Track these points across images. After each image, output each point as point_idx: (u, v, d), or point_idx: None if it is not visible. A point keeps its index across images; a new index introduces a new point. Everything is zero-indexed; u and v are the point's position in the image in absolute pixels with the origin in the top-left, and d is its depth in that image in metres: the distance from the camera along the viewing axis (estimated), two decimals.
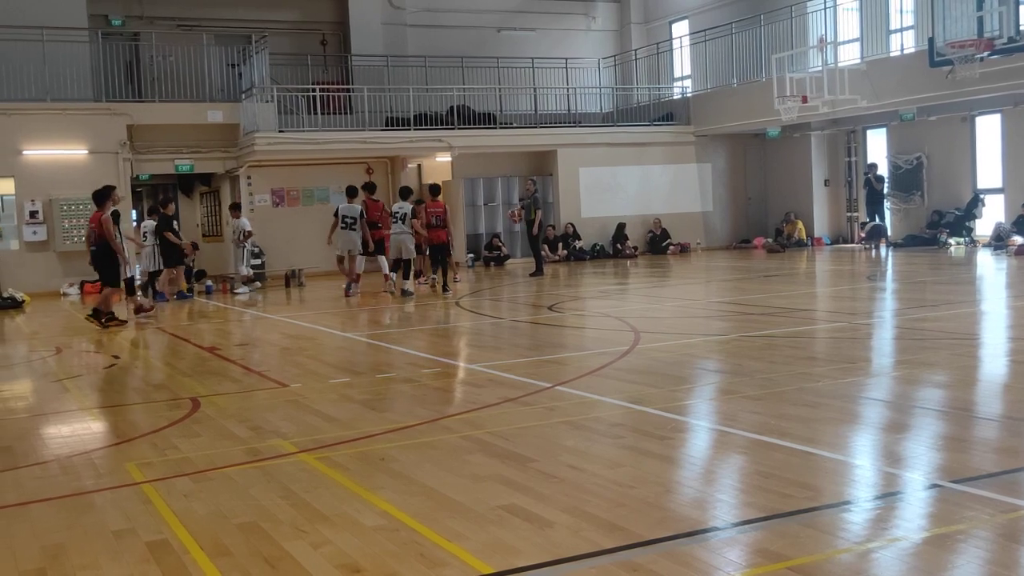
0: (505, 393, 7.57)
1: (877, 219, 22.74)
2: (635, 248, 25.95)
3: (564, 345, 10.79)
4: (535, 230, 20.69)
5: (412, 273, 17.81)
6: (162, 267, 18.51)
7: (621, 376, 8.14)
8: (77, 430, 7.30)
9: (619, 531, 4.26)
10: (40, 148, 21.15)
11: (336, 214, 17.98)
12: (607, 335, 11.02)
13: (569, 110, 26.98)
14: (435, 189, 18.18)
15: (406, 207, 17.75)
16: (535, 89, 26.62)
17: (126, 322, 14.30)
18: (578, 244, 25.41)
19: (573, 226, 25.56)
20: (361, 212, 17.74)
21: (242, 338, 12.98)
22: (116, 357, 10.97)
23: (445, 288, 17.22)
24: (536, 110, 26.29)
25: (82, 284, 21.09)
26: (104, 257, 14.11)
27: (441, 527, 4.41)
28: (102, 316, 13.90)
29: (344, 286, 17.62)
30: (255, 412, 7.34)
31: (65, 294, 20.92)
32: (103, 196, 14.09)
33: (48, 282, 21.06)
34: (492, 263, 24.82)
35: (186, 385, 8.77)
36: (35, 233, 21.11)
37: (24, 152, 21.03)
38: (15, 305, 18.74)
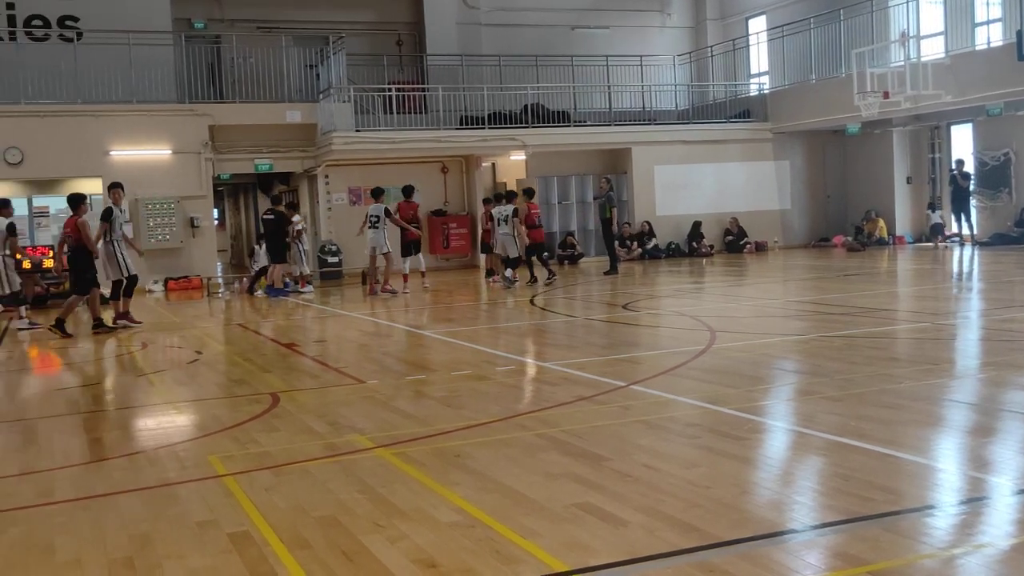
0: (579, 391, 7.57)
1: (963, 217, 22.16)
2: (711, 246, 25.69)
3: (639, 344, 10.74)
4: (613, 228, 20.67)
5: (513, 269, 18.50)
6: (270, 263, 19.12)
7: (696, 376, 8.08)
8: (162, 423, 7.51)
9: (695, 531, 4.23)
10: (126, 149, 21.75)
11: (367, 214, 18.48)
12: (682, 334, 10.94)
13: (644, 108, 26.81)
14: (530, 192, 19.20)
15: (508, 209, 18.41)
16: (609, 87, 26.52)
17: (115, 328, 13.90)
18: (653, 242, 25.25)
19: (649, 224, 25.41)
20: (387, 211, 18.17)
21: (320, 335, 13.17)
22: (199, 353, 11.23)
23: (551, 276, 18.46)
24: (610, 108, 26.19)
25: (166, 281, 21.65)
26: (80, 262, 13.78)
27: (516, 524, 4.43)
28: (97, 323, 13.70)
29: (371, 284, 18.29)
30: (333, 408, 7.45)
31: (150, 291, 21.48)
32: (78, 200, 13.82)
33: None
34: (566, 261, 24.79)
35: (266, 381, 8.94)
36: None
37: (111, 153, 21.66)
38: (103, 302, 19.26)
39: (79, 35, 22.29)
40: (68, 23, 22.77)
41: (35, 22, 22.70)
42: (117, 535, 4.58)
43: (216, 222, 24.57)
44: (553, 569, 3.90)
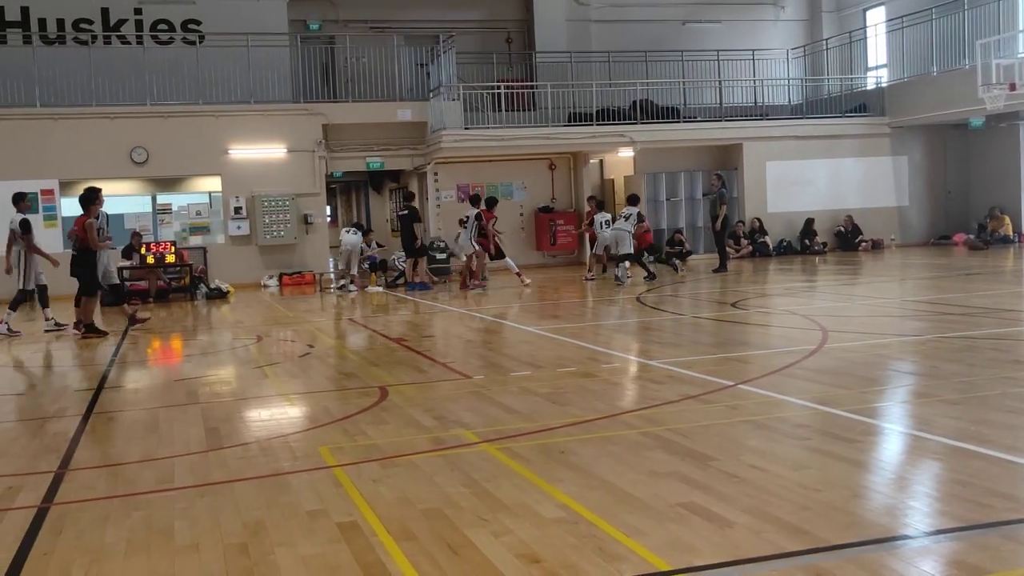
0: (686, 390, 7.49)
1: None
2: (824, 244, 25.08)
3: (747, 343, 10.56)
4: (718, 225, 20.39)
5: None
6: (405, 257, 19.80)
7: (807, 376, 7.90)
8: (275, 414, 7.73)
9: (803, 534, 4.15)
10: (244, 147, 22.43)
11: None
12: (793, 333, 10.71)
13: (756, 103, 26.34)
14: (635, 199, 19.59)
15: (634, 210, 19.01)
16: (720, 82, 26.12)
17: (107, 334, 13.60)
18: (764, 239, 24.78)
19: (760, 221, 24.96)
20: (478, 215, 18.87)
21: (428, 330, 13.34)
22: (311, 346, 11.51)
23: (651, 276, 18.76)
24: (721, 103, 25.80)
25: (280, 276, 22.26)
26: (83, 264, 13.51)
27: (619, 522, 4.41)
28: (81, 326, 13.52)
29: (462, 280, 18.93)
30: (439, 402, 7.54)
31: (265, 285, 22.13)
32: (89, 200, 13.46)
33: (250, 274, 22.33)
34: (674, 259, 24.51)
35: (375, 374, 9.10)
36: (239, 228, 22.43)
37: (230, 151, 22.36)
38: (221, 295, 19.98)
39: (201, 38, 23.09)
40: (191, 27, 23.61)
41: (161, 26, 23.61)
42: (232, 521, 4.73)
43: (329, 219, 25.11)
44: (656, 568, 3.87)
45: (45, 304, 14.44)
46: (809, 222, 25.09)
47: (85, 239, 13.37)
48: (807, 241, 24.97)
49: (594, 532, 4.32)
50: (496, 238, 19.17)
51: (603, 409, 6.95)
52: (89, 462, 6.16)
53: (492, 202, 19.83)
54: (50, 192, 21.43)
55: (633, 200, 19.52)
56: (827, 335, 10.08)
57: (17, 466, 6.18)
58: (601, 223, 19.44)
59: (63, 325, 14.14)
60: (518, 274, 18.83)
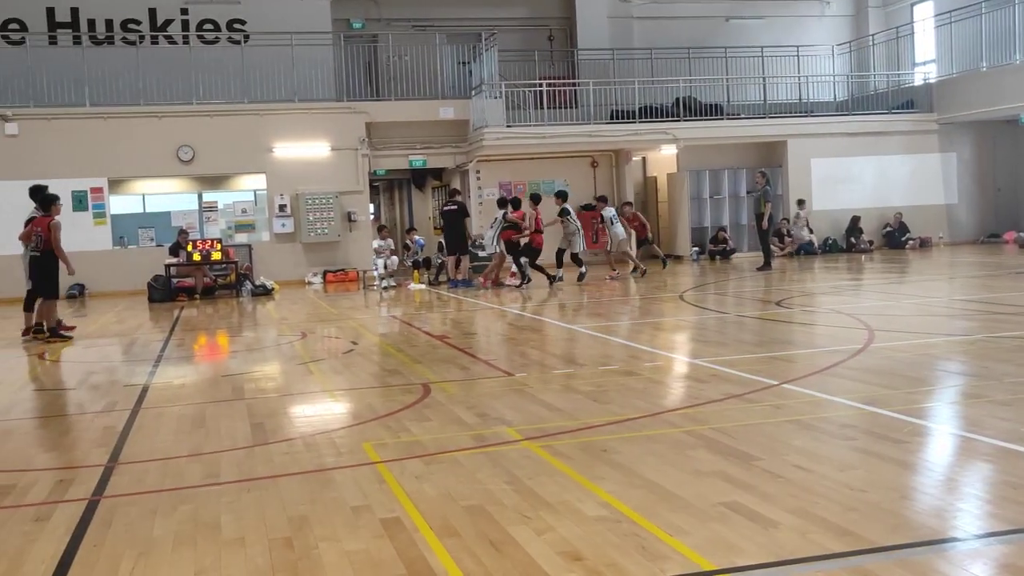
0: (729, 389, 7.44)
1: None
2: (870, 242, 24.80)
3: (792, 342, 10.47)
4: (764, 223, 20.24)
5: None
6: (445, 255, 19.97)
7: (853, 375, 7.81)
8: (319, 410, 7.80)
9: (849, 536, 4.10)
10: (288, 146, 22.63)
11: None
12: (838, 332, 10.59)
13: (800, 99, 26.07)
14: (604, 199, 20.89)
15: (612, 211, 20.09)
16: (764, 78, 25.89)
17: (71, 337, 13.23)
18: (808, 238, 24.55)
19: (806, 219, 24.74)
20: (505, 215, 18.79)
21: (470, 328, 13.38)
22: (354, 343, 11.59)
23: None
24: (765, 100, 25.58)
25: (324, 273, 22.44)
26: (46, 266, 12.92)
27: (662, 521, 4.40)
28: (47, 330, 13.05)
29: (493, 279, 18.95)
30: (482, 399, 7.56)
31: (309, 283, 22.32)
32: (50, 201, 13.06)
33: (294, 271, 22.55)
34: (718, 257, 24.40)
35: (418, 371, 9.15)
36: (283, 225, 22.64)
37: (274, 150, 22.58)
38: (266, 292, 20.20)
39: (246, 37, 23.34)
40: (236, 26, 23.87)
41: (206, 26, 23.90)
42: (277, 516, 4.78)
43: (372, 217, 25.27)
44: (699, 567, 3.85)
45: (30, 309, 13.47)
46: (855, 220, 24.82)
47: (50, 241, 12.81)
48: (853, 239, 24.70)
49: (636, 531, 4.31)
50: (519, 237, 18.76)
51: (645, 407, 6.92)
52: (138, 456, 6.25)
53: (536, 199, 19.61)
54: (99, 190, 21.79)
55: (603, 200, 20.46)
56: (873, 334, 9.97)
57: (68, 459, 6.29)
58: (610, 219, 19.72)
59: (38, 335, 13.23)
60: (513, 275, 18.98)
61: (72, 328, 13.73)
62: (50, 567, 4.22)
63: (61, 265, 13.14)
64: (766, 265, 20.13)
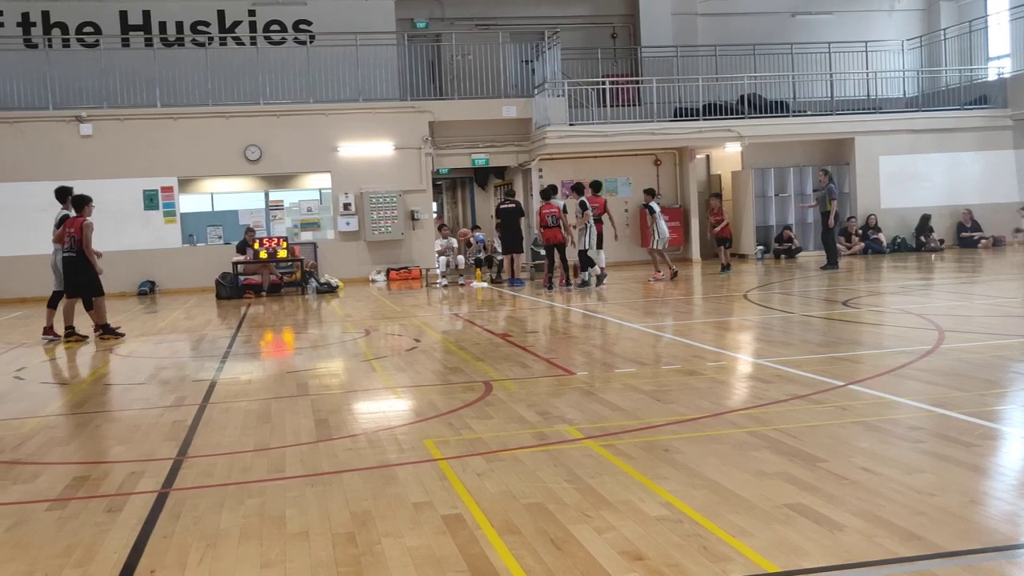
0: (794, 390, 7.34)
1: None
2: (941, 241, 24.28)
3: (859, 342, 10.29)
4: (831, 222, 19.93)
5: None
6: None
7: (922, 377, 7.66)
8: (382, 407, 7.87)
9: (916, 540, 4.03)
10: (352, 145, 22.87)
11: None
12: (907, 333, 10.39)
13: (868, 96, 25.63)
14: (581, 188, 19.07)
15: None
16: (831, 75, 25.49)
17: (86, 337, 13.33)
18: (878, 236, 24.11)
19: (875, 217, 24.31)
20: (565, 208, 18.39)
21: (531, 326, 13.39)
22: (417, 341, 11.68)
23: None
24: (832, 96, 25.17)
25: (387, 271, 22.64)
26: (82, 266, 13.02)
27: (725, 522, 4.36)
28: (99, 327, 13.23)
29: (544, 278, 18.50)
30: (543, 398, 7.56)
31: (373, 280, 22.53)
32: (83, 202, 13.23)
33: (358, 269, 22.79)
34: (783, 256, 24.09)
35: (479, 369, 9.18)
36: (348, 224, 22.90)
37: (339, 149, 22.84)
38: (331, 290, 20.45)
39: (312, 38, 23.64)
40: (302, 27, 24.19)
41: (273, 27, 24.26)
42: (341, 511, 4.84)
43: (435, 215, 25.43)
44: (763, 570, 3.81)
45: (53, 306, 13.69)
46: (925, 218, 24.33)
47: (82, 241, 12.94)
48: (923, 238, 24.21)
49: (699, 531, 4.28)
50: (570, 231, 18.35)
51: (708, 408, 6.87)
52: (206, 450, 6.37)
53: (597, 186, 19.12)
54: (169, 189, 22.25)
55: (650, 193, 19.78)
56: (944, 335, 9.76)
57: (139, 453, 6.44)
58: (658, 214, 19.20)
59: (59, 337, 13.38)
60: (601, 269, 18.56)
61: (60, 337, 13.44)
62: (122, 557, 4.33)
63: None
64: (831, 264, 19.82)
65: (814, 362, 8.58)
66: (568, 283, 17.92)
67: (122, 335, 13.41)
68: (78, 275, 13.12)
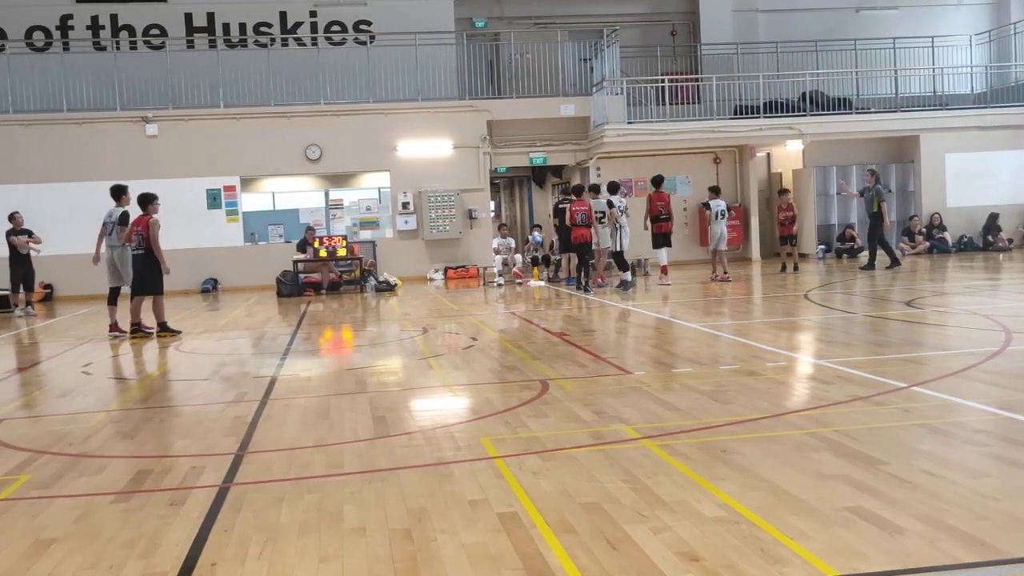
0: (855, 391, 7.24)
1: None
2: (1010, 240, 23.73)
3: (923, 343, 10.10)
4: (887, 223, 19.54)
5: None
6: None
7: (988, 379, 7.49)
8: (439, 405, 7.92)
9: (980, 545, 3.95)
10: (411, 144, 23.03)
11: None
12: (973, 334, 10.18)
13: (935, 92, 25.12)
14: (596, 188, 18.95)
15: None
16: (896, 71, 25.04)
17: (179, 332, 13.65)
18: (943, 236, 23.64)
19: (940, 216, 23.83)
20: (609, 203, 18.12)
21: (588, 325, 13.36)
22: (474, 339, 11.72)
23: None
24: (897, 93, 24.73)
25: (445, 270, 22.76)
26: (150, 264, 13.34)
27: (783, 524, 4.32)
28: (157, 324, 13.50)
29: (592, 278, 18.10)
30: (599, 397, 7.55)
31: (431, 279, 22.66)
32: (148, 200, 13.51)
33: (417, 267, 22.95)
34: (845, 255, 23.73)
35: (536, 368, 9.19)
36: (406, 222, 23.07)
37: (398, 148, 23.01)
38: (389, 288, 20.61)
39: (372, 38, 23.85)
40: (362, 27, 24.42)
41: (334, 27, 24.53)
42: (397, 508, 4.88)
43: (492, 214, 25.50)
44: (821, 573, 3.76)
45: (113, 302, 14.13)
46: (993, 217, 23.79)
47: (149, 238, 13.29)
48: (990, 237, 23.67)
49: (756, 533, 4.24)
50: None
51: (767, 408, 6.79)
52: (266, 445, 6.47)
53: (658, 181, 18.77)
54: (232, 188, 22.61)
55: (715, 191, 19.37)
56: (1011, 336, 9.54)
57: (201, 447, 6.56)
58: (718, 213, 18.75)
59: (124, 332, 13.73)
60: (664, 268, 18.37)
61: (125, 333, 13.81)
62: (184, 549, 4.41)
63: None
64: (871, 264, 19.49)
65: (876, 363, 8.44)
66: (581, 285, 17.41)
67: (178, 332, 13.66)
68: (144, 272, 13.42)
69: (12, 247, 18.00)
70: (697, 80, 24.62)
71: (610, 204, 18.03)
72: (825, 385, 7.65)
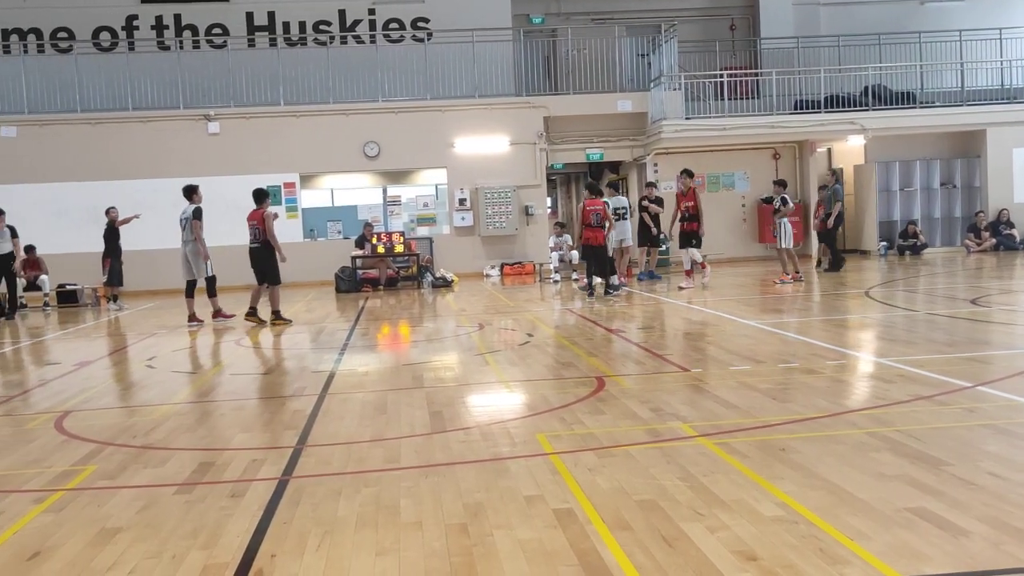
0: (917, 390, 7.10)
1: None
2: None
3: (989, 342, 9.88)
4: (830, 223, 19.02)
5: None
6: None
7: None
8: (495, 400, 7.93)
9: None
10: (468, 141, 23.10)
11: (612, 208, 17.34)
12: None
13: (1003, 85, 24.52)
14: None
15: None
16: (962, 64, 24.50)
17: (290, 321, 14.34)
18: (1011, 232, 23.09)
19: (1008, 212, 23.29)
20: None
21: (645, 322, 13.29)
22: (530, 335, 11.73)
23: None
24: (963, 86, 24.20)
25: (501, 266, 22.80)
26: (266, 256, 14.30)
27: (842, 524, 4.26)
28: (272, 312, 14.29)
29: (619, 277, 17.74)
30: (656, 394, 7.51)
31: (487, 275, 22.72)
32: (263, 195, 14.40)
33: (473, 263, 23.02)
34: (907, 252, 23.30)
35: (592, 364, 9.17)
36: (463, 219, 23.16)
37: (455, 145, 23.10)
38: (446, 284, 20.71)
39: (429, 35, 23.97)
40: (420, 24, 24.56)
41: (392, 25, 24.71)
42: (453, 502, 4.90)
43: (549, 210, 25.49)
44: (882, 574, 3.71)
45: (213, 294, 15.02)
46: None
47: (266, 231, 14.19)
48: None
49: (815, 533, 4.18)
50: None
51: (827, 407, 6.70)
52: (324, 439, 6.54)
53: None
54: (292, 185, 22.89)
55: (781, 185, 18.18)
56: None
57: (261, 441, 6.66)
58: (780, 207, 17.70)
59: (231, 315, 14.84)
60: (702, 265, 17.36)
61: (232, 316, 14.89)
62: (244, 540, 4.48)
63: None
64: (834, 267, 18.98)
65: (940, 362, 8.28)
66: (591, 290, 16.52)
67: (289, 321, 14.30)
68: (262, 263, 14.30)
69: (113, 236, 18.47)
70: (757, 75, 24.35)
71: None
72: (886, 384, 7.52)
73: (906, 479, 4.88)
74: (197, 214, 14.49)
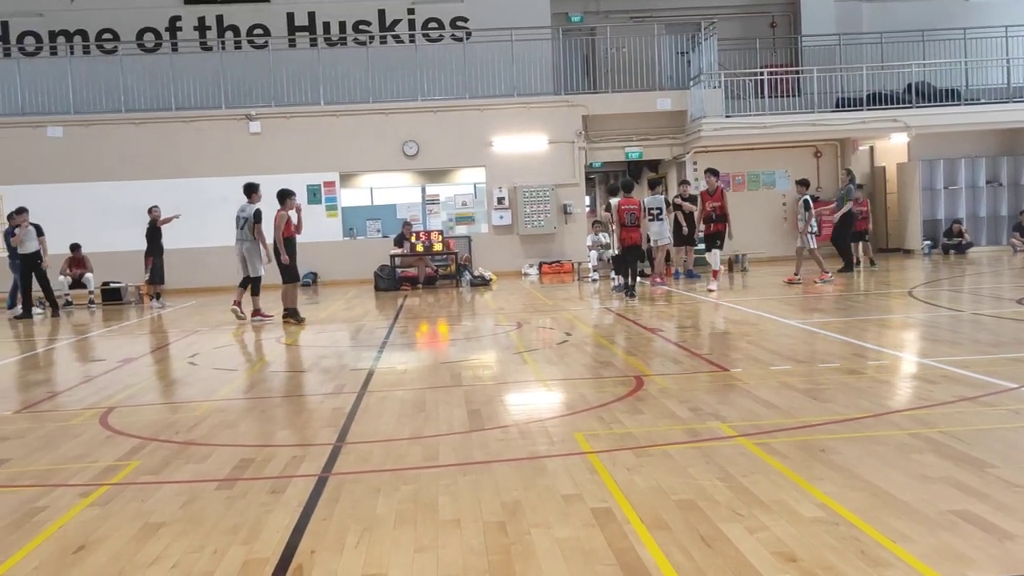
0: (961, 391, 7.01)
1: None
2: None
3: None
4: (834, 220, 18.78)
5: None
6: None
7: None
8: (533, 399, 7.94)
9: None
10: (507, 139, 23.12)
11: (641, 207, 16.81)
12: None
13: None
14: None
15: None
16: (1008, 60, 24.11)
17: (303, 320, 14.40)
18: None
19: None
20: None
21: (684, 321, 13.23)
22: (568, 334, 11.72)
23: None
24: (1009, 83, 23.82)
25: (540, 265, 22.80)
26: (288, 253, 14.41)
27: (884, 526, 4.21)
28: (285, 310, 14.44)
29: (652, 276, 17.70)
30: (695, 394, 7.47)
31: (525, 274, 22.73)
32: (284, 195, 14.45)
33: (511, 262, 23.04)
34: (952, 251, 22.98)
35: (631, 363, 9.14)
36: (501, 218, 23.19)
37: (493, 144, 23.12)
38: (484, 283, 20.74)
39: (468, 34, 24.02)
40: (459, 23, 24.62)
41: (431, 24, 24.80)
42: (491, 500, 4.92)
43: (587, 209, 25.44)
44: None
45: (256, 292, 15.17)
46: None
47: (283, 230, 14.35)
48: None
49: (856, 534, 4.14)
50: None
51: (868, 408, 6.63)
52: (363, 437, 6.58)
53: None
54: (331, 184, 23.05)
55: (803, 184, 17.89)
56: None
57: (301, 437, 6.71)
58: (805, 205, 17.37)
59: (269, 315, 14.94)
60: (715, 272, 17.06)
61: (271, 316, 14.97)
62: (284, 536, 4.52)
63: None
64: (847, 268, 18.78)
65: (985, 363, 8.16)
66: (627, 291, 16.16)
67: (301, 321, 14.29)
68: (279, 262, 14.41)
69: (155, 234, 18.77)
70: (797, 72, 24.13)
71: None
72: (930, 385, 7.43)
73: (950, 481, 4.82)
74: (257, 217, 14.75)
